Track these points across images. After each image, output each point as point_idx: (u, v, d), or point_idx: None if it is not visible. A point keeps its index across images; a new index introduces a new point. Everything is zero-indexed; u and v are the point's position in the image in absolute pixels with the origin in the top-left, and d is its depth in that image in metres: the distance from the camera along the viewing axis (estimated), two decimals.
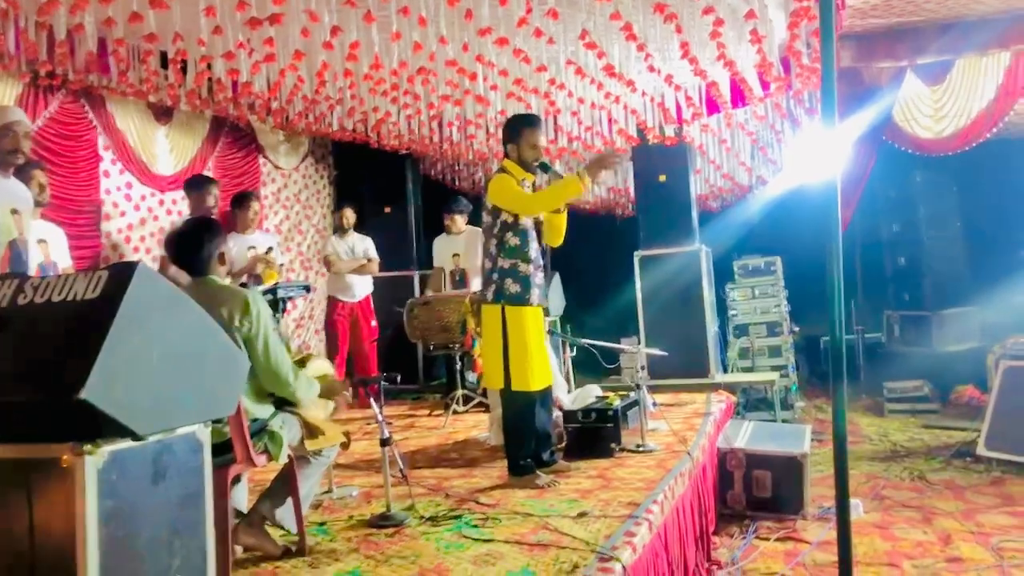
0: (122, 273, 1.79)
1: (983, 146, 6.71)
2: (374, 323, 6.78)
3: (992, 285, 7.53)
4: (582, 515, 3.15)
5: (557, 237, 4.10)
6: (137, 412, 1.76)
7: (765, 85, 6.29)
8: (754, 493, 4.62)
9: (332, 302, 6.77)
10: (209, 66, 5.14)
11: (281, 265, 5.96)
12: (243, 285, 5.08)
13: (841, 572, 2.17)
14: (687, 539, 3.59)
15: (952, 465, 5.34)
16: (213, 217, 5.11)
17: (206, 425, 2.00)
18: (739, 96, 6.60)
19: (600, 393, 4.91)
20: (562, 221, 4.04)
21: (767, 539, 4.21)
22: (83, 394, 1.62)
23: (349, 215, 6.82)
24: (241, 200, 5.93)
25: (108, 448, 1.73)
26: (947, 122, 6.66)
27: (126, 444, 1.78)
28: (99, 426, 1.72)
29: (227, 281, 2.96)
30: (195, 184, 5.51)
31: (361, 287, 6.75)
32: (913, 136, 6.88)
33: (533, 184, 4.08)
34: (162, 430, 1.86)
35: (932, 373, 7.29)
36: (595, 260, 9.08)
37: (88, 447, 1.69)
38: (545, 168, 4.05)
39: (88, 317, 1.73)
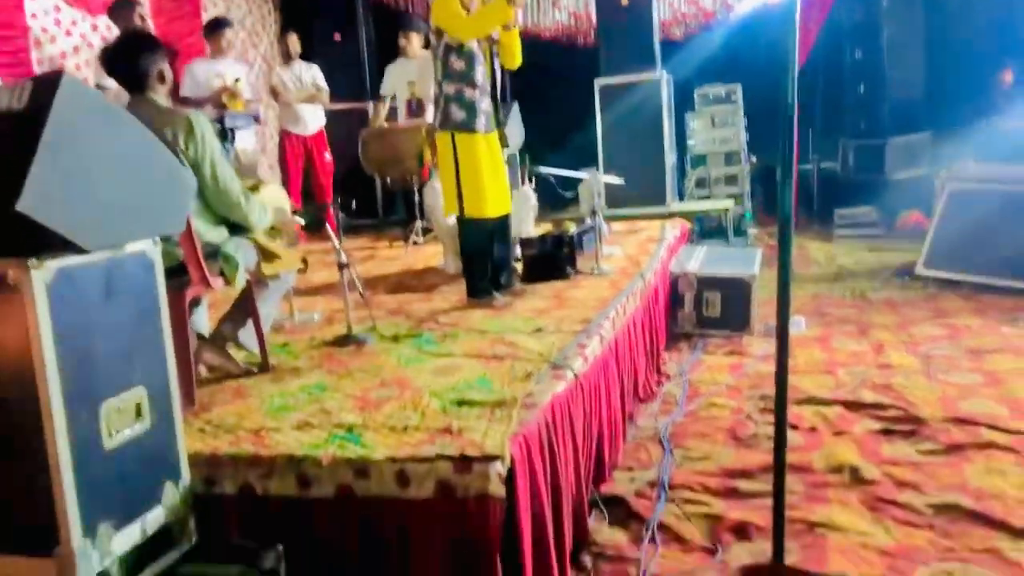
0: (47, 83, 1.71)
1: None
2: (328, 156, 6.63)
3: (950, 111, 7.55)
4: (537, 331, 3.28)
5: (511, 58, 3.98)
6: (80, 225, 1.73)
7: None
8: (704, 313, 4.82)
9: (284, 135, 6.59)
10: None
11: (249, 101, 5.73)
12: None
13: (777, 377, 2.31)
14: (637, 353, 3.78)
15: (892, 284, 5.60)
16: (147, 32, 4.84)
17: (156, 243, 1.99)
18: None
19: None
20: (513, 40, 3.91)
21: (714, 354, 4.45)
22: (19, 206, 1.59)
23: (294, 41, 6.50)
24: (213, 26, 5.70)
25: (55, 264, 1.72)
26: None
27: (74, 259, 1.77)
28: (41, 241, 1.70)
29: (168, 101, 2.85)
30: (116, 6, 5.17)
31: (313, 119, 6.54)
32: None
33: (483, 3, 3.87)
34: (109, 245, 1.85)
35: (882, 200, 7.46)
36: (555, 90, 8.85)
37: (33, 261, 1.68)
38: None
39: (16, 129, 1.67)
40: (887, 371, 3.86)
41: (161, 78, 2.76)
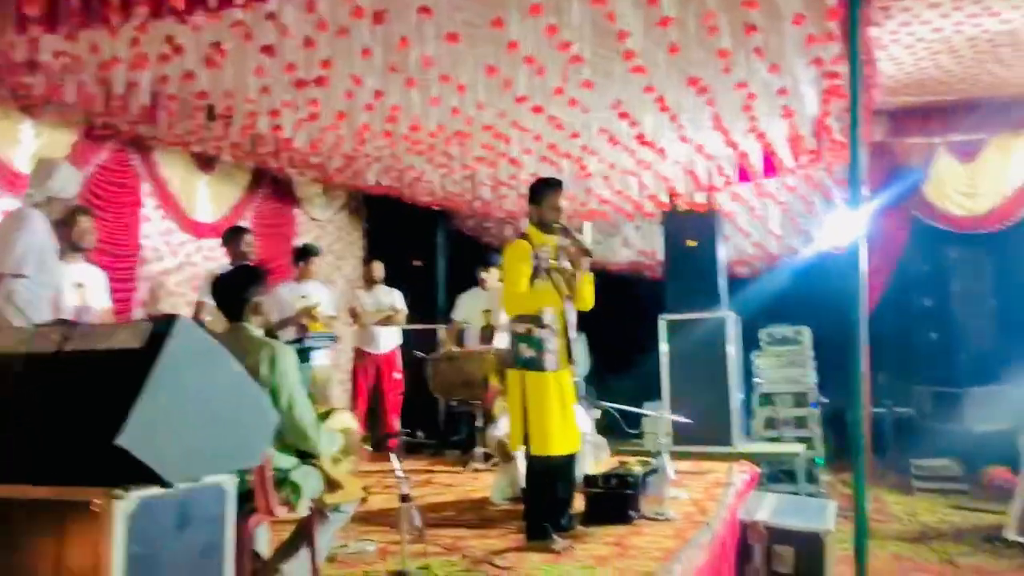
0: (164, 325, 1.88)
1: (1020, 226, 6.70)
2: (399, 375, 6.82)
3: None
4: None
5: (582, 302, 4.12)
6: (168, 460, 1.82)
7: (796, 157, 6.37)
8: (774, 569, 4.52)
9: (357, 353, 6.86)
10: (254, 121, 5.35)
11: (333, 318, 6.06)
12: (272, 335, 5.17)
13: None
14: None
15: (982, 549, 5.19)
16: (258, 266, 5.25)
17: (233, 476, 2.05)
18: (770, 167, 6.67)
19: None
20: (585, 285, 4.08)
21: None
22: (120, 440, 1.69)
23: (377, 268, 6.95)
24: (303, 253, 6.15)
25: (138, 494, 1.79)
26: (981, 200, 6.67)
27: (155, 491, 1.83)
28: (131, 472, 1.78)
29: (260, 331, 3.04)
30: (228, 233, 5.65)
31: (387, 339, 6.82)
32: (946, 213, 6.89)
33: (555, 249, 4.09)
34: (191, 479, 1.91)
35: (962, 451, 7.13)
36: (621, 322, 9.08)
37: (119, 492, 1.75)
38: (566, 232, 4.09)
39: (129, 366, 1.81)
40: None
41: (256, 310, 2.98)
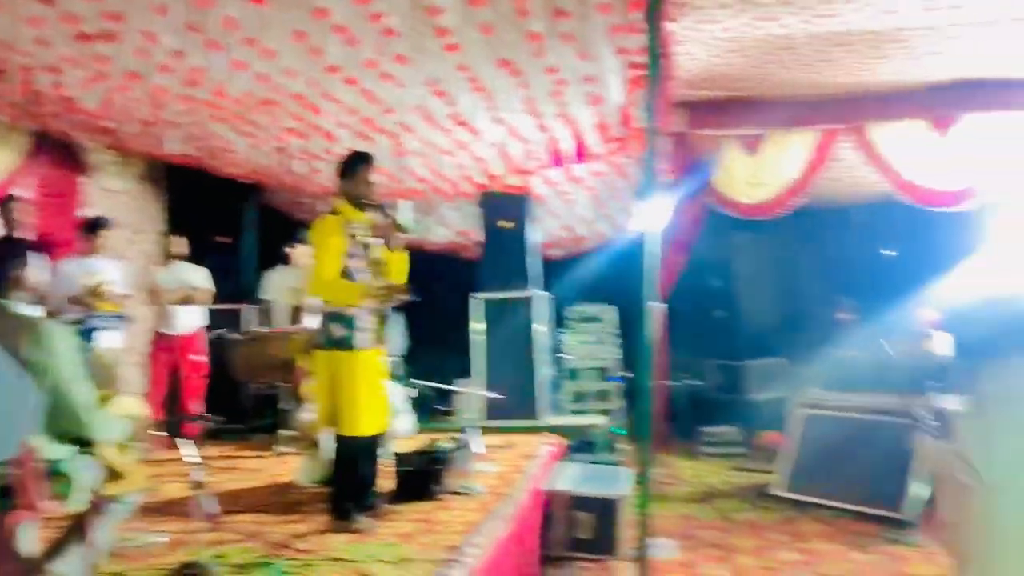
0: None
1: (800, 213, 7.43)
2: (200, 358, 6.43)
3: (799, 340, 8.26)
4: (401, 560, 3.14)
5: (395, 276, 4.10)
6: None
7: (604, 144, 6.66)
8: (576, 534, 4.77)
9: (155, 335, 6.40)
10: (30, 78, 4.80)
11: (126, 296, 5.58)
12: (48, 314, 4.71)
13: None
14: None
15: (755, 505, 5.77)
16: (19, 236, 4.74)
17: None
18: (580, 152, 6.94)
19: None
20: (401, 261, 4.06)
21: None
22: None
23: (178, 244, 6.52)
24: (91, 225, 5.63)
25: None
26: (762, 190, 7.32)
27: None
28: None
29: (28, 308, 2.75)
30: None
31: (187, 320, 6.41)
32: (733, 201, 7.49)
33: (372, 226, 4.03)
34: None
35: (743, 419, 7.88)
36: (439, 301, 9.13)
37: None
38: (380, 209, 4.05)
39: None
40: None
41: (18, 284, 2.69)
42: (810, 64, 5.98)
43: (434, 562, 3.06)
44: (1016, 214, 7.06)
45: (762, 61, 6.01)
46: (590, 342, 7.94)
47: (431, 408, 6.54)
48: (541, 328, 7.09)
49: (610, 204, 8.70)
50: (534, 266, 7.36)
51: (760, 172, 7.25)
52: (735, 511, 5.61)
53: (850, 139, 6.94)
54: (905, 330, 6.95)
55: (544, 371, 7.07)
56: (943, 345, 6.24)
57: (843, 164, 7.33)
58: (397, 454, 4.46)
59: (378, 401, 3.93)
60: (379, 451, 4.08)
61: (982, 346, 2.63)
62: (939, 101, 6.52)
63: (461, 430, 4.94)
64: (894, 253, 9.30)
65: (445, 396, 6.79)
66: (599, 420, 7.14)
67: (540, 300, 7.15)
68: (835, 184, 7.79)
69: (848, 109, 6.76)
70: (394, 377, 5.60)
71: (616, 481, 5.09)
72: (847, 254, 9.08)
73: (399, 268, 4.05)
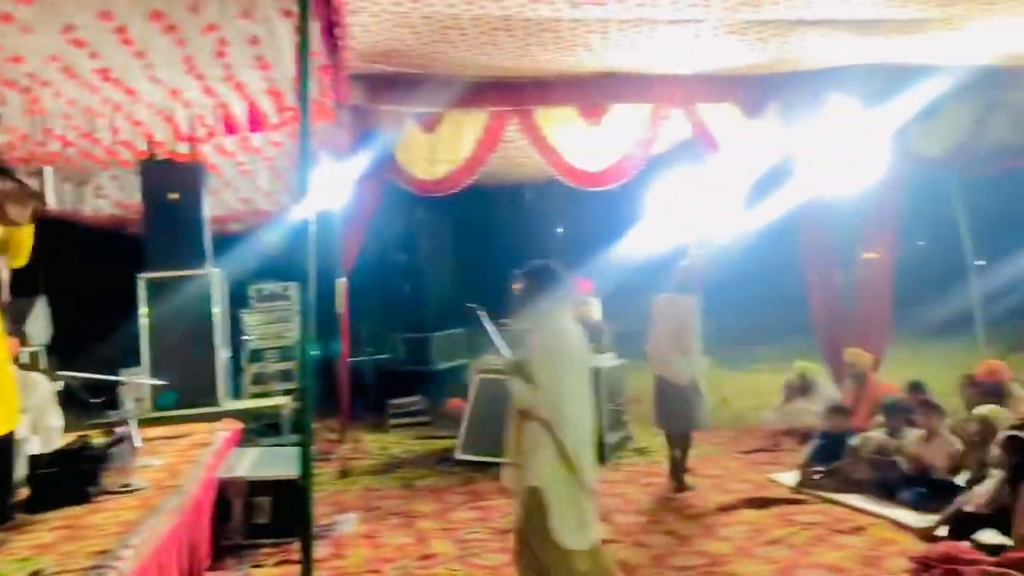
0: None
1: (479, 191, 7.77)
2: None
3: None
4: (34, 574, 2.74)
5: (19, 256, 3.55)
6: None
7: (279, 113, 6.37)
8: (253, 520, 4.57)
9: None
10: None
11: None
12: None
13: None
14: None
15: (436, 471, 6.00)
16: None
17: None
18: (255, 121, 6.57)
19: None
20: (26, 237, 3.52)
21: (264, 565, 4.20)
22: None
23: None
24: None
25: None
26: (440, 166, 7.55)
27: None
28: None
29: None
30: None
31: None
32: (414, 177, 7.62)
33: None
34: None
35: (430, 389, 8.16)
36: (100, 282, 8.18)
37: None
38: (6, 173, 3.47)
39: None
40: (429, 561, 4.03)
41: None
42: (476, 46, 6.26)
43: (74, 572, 2.72)
44: (664, 191, 7.95)
45: (432, 39, 6.15)
46: (273, 321, 7.63)
47: (85, 402, 5.82)
48: (217, 309, 6.64)
49: (290, 176, 8.40)
50: (207, 241, 6.85)
51: (437, 150, 7.46)
52: (418, 479, 5.78)
53: (517, 122, 7.38)
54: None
55: (222, 354, 6.64)
56: (596, 310, 6.96)
57: (515, 146, 7.83)
58: (29, 456, 3.89)
59: (5, 395, 3.38)
60: (12, 455, 3.52)
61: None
62: (590, 91, 7.20)
63: (124, 423, 4.46)
64: (561, 230, 10.25)
65: (104, 388, 6.09)
66: (283, 401, 6.92)
67: (216, 278, 6.68)
68: (509, 164, 8.31)
69: (513, 92, 7.20)
70: (38, 369, 4.94)
71: (295, 461, 4.94)
72: (523, 229, 9.80)
73: (19, 243, 3.50)
